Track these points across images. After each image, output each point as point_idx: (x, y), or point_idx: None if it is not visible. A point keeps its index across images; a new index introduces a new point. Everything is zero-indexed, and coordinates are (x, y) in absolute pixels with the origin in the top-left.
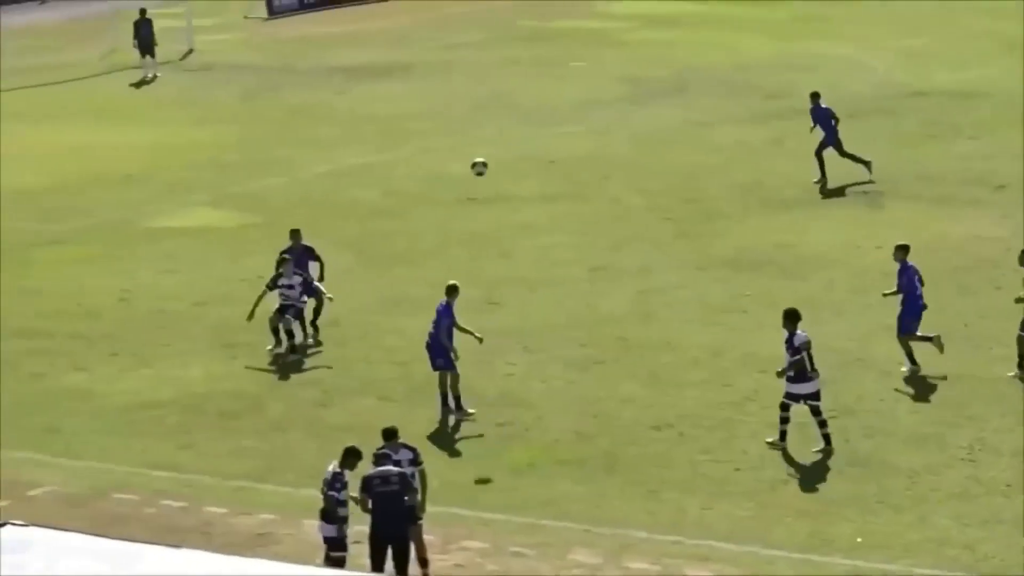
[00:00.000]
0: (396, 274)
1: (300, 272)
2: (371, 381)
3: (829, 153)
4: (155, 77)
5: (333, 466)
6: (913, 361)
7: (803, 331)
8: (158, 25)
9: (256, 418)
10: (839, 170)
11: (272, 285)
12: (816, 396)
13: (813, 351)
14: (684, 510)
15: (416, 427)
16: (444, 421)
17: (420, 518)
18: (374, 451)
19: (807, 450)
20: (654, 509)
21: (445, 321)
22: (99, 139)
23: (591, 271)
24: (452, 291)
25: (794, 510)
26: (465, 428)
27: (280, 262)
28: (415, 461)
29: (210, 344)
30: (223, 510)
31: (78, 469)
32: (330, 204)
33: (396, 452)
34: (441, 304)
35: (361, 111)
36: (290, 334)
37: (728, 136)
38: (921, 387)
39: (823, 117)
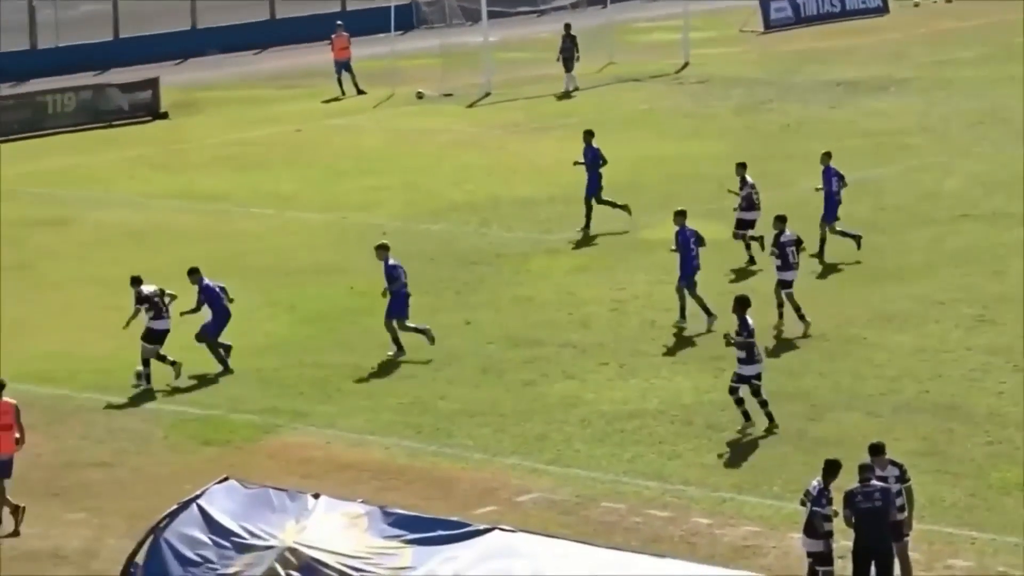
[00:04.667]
0: (886, 290)
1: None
2: (859, 396)
3: None
4: (573, 92)
5: (817, 480)
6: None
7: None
8: (655, 38)
9: (743, 430)
10: None
11: None
12: (759, 377)
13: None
14: None
15: (903, 444)
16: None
17: (907, 535)
18: (858, 465)
19: None
20: None
21: None
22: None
23: None
24: None
25: None
26: (954, 445)
27: None
28: (902, 478)
29: (699, 356)
30: (708, 521)
31: (566, 476)
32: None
33: (883, 468)
34: None
35: (855, 126)
36: None
37: None
38: None
39: None
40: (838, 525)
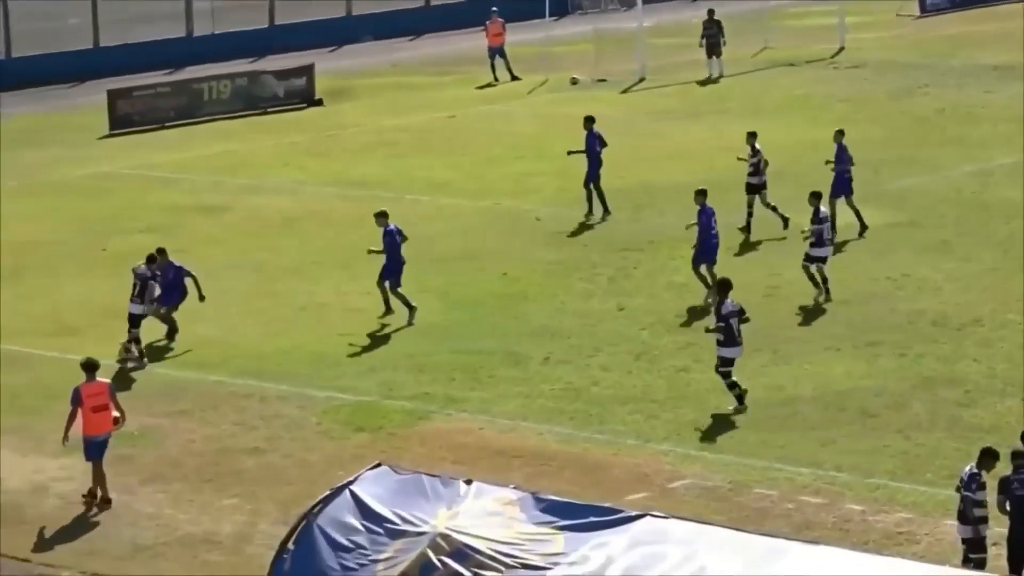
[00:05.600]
0: None
1: None
2: (1015, 382)
3: None
4: (720, 77)
5: (970, 467)
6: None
7: (733, 301)
8: (810, 23)
9: (897, 417)
10: None
11: None
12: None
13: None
14: None
15: None
16: None
17: None
18: (1011, 452)
19: None
20: None
21: None
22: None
23: None
24: None
25: None
26: None
27: None
28: None
29: (853, 342)
30: (861, 508)
31: (719, 462)
32: (976, 204)
33: None
34: None
35: (1009, 110)
36: None
37: None
38: None
39: None
40: (994, 512)
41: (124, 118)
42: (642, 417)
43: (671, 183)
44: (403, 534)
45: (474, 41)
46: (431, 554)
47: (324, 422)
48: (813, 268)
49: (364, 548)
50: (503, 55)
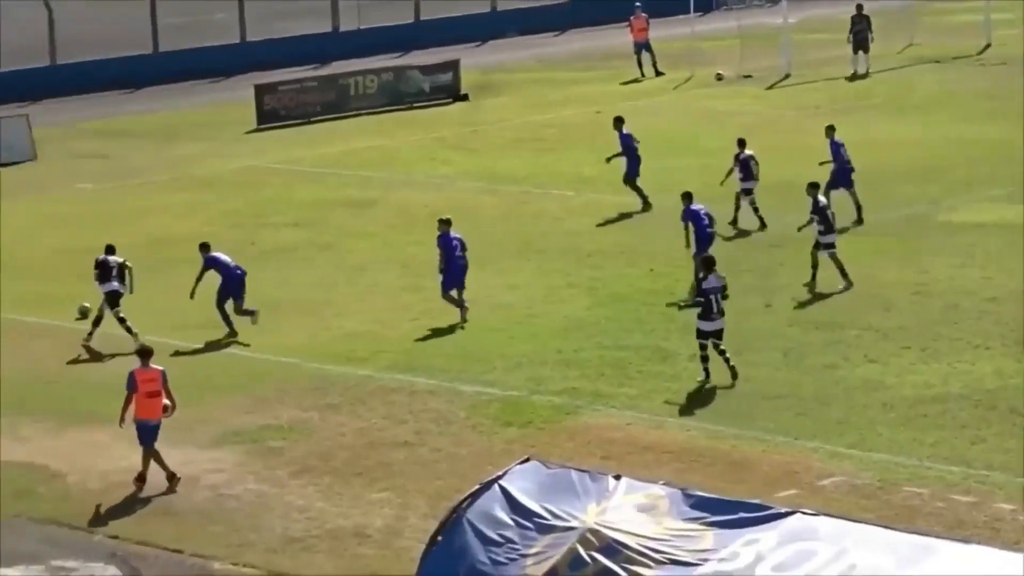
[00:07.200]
0: None
1: None
2: None
3: None
4: (866, 73)
5: None
6: None
7: (718, 276)
8: (957, 20)
9: None
10: None
11: None
12: (719, 335)
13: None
14: None
15: None
16: None
17: None
18: None
19: None
20: None
21: None
22: (897, 132)
23: None
24: None
25: None
26: None
27: None
28: None
29: (1003, 340)
30: (1012, 507)
31: (868, 460)
32: None
33: None
34: None
35: None
36: None
37: None
38: None
39: None
40: None
41: (271, 113)
42: (790, 414)
43: (820, 180)
44: (552, 529)
45: (619, 37)
46: (580, 549)
47: (473, 416)
48: (826, 255)
49: (513, 543)
50: (649, 50)
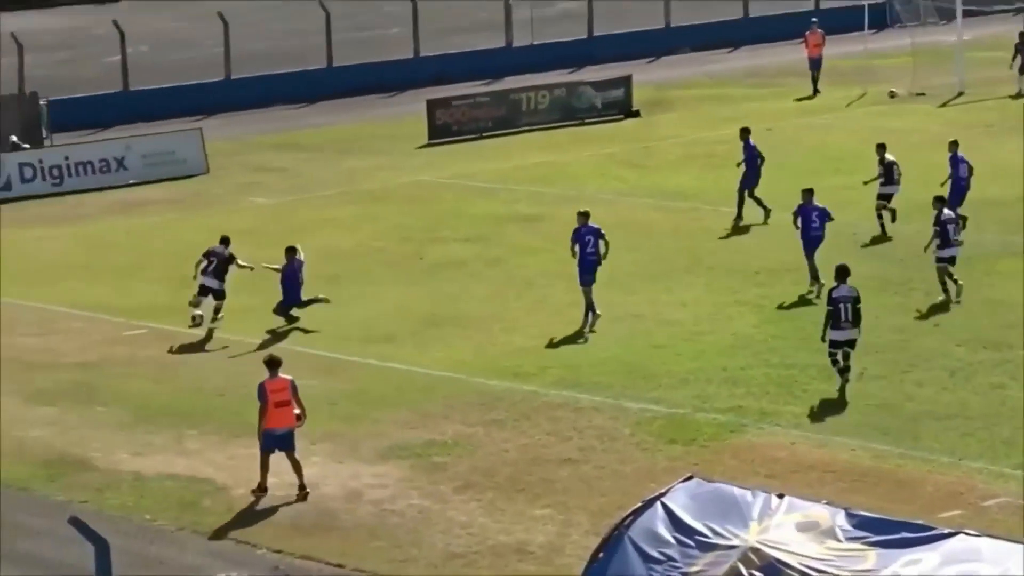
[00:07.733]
0: None
1: None
2: None
3: None
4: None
5: None
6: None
7: (849, 287)
8: None
9: None
10: None
11: None
12: (851, 344)
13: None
14: None
15: None
16: None
17: None
18: None
19: None
20: None
21: None
22: None
23: None
24: None
25: None
26: None
27: None
28: None
29: None
30: None
31: None
32: None
33: None
34: None
35: None
36: None
37: None
38: None
39: None
40: None
41: (443, 128)
42: (956, 434)
43: (988, 198)
44: (714, 547)
45: (792, 53)
46: (742, 568)
47: (637, 433)
48: (939, 268)
49: (675, 560)
50: (818, 67)
